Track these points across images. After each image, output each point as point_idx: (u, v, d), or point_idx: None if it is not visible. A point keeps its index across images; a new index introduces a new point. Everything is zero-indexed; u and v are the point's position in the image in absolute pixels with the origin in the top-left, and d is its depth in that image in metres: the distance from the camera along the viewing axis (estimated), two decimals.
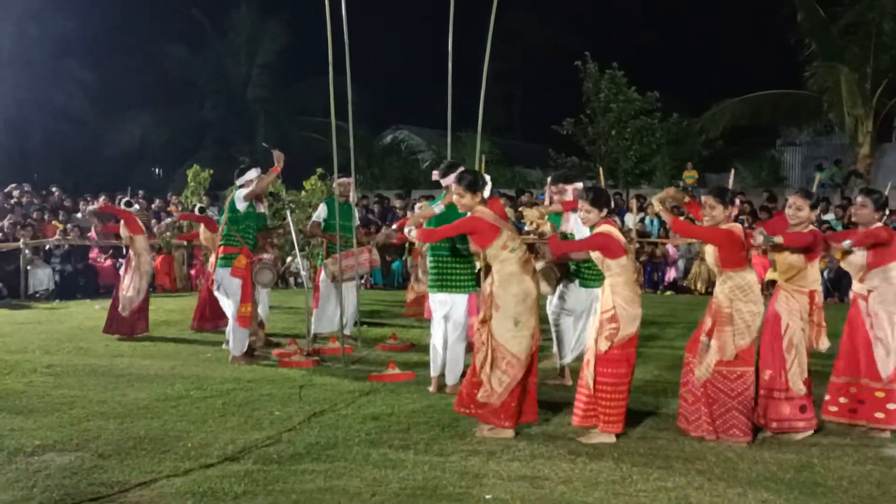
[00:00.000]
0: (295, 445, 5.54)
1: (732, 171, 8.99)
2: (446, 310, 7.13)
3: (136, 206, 11.21)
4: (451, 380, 7.19)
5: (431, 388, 7.22)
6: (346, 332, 9.51)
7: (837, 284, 14.39)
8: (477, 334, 6.00)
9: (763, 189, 21.58)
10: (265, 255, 9.22)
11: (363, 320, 10.63)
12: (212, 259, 9.68)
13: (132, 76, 28.98)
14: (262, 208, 9.41)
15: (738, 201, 6.02)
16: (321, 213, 10.10)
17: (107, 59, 28.28)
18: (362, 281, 10.43)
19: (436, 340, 7.25)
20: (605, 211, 5.87)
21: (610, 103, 25.28)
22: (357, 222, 10.73)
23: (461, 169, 6.65)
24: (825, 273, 13.87)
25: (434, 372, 7.28)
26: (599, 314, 5.77)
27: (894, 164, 24.29)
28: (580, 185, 7.59)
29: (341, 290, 9.39)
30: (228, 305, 8.83)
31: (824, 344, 5.92)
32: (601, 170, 13.25)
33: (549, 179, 8.02)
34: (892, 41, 20.78)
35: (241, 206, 8.82)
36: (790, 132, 27.00)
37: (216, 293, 9.03)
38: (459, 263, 7.14)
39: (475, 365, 5.93)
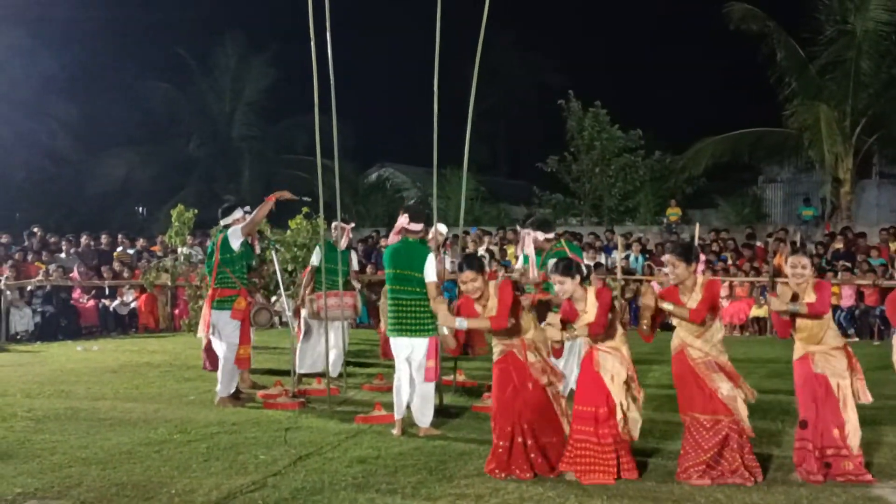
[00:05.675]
0: (280, 491, 5.45)
1: (697, 225, 9.10)
2: (407, 353, 7.12)
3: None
4: (423, 422, 7.14)
5: (395, 431, 7.12)
6: (333, 374, 9.41)
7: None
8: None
9: (745, 226, 21.74)
10: (257, 296, 9.12)
11: (349, 360, 10.53)
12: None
13: (116, 113, 28.82)
14: (256, 247, 9.30)
15: (702, 257, 5.96)
16: (315, 258, 9.90)
17: (90, 97, 28.24)
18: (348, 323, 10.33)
19: (400, 383, 7.18)
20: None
21: (594, 141, 25.52)
22: (356, 267, 10.72)
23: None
24: None
25: (398, 415, 7.20)
26: (625, 373, 5.83)
27: (874, 200, 24.58)
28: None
29: (326, 328, 9.31)
30: (222, 348, 8.71)
31: (868, 396, 5.78)
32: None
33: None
34: (870, 80, 21.08)
35: (237, 244, 8.73)
36: (771, 169, 27.27)
37: (211, 337, 8.86)
38: (418, 307, 7.08)
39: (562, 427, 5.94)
